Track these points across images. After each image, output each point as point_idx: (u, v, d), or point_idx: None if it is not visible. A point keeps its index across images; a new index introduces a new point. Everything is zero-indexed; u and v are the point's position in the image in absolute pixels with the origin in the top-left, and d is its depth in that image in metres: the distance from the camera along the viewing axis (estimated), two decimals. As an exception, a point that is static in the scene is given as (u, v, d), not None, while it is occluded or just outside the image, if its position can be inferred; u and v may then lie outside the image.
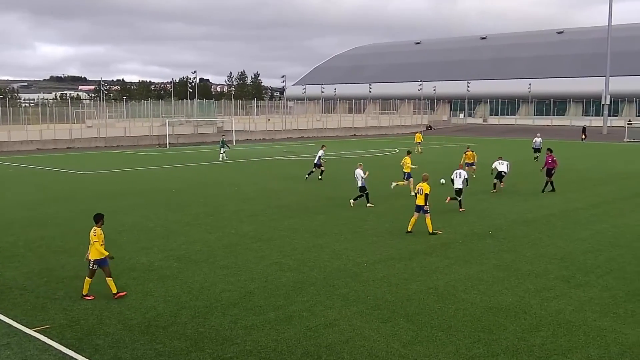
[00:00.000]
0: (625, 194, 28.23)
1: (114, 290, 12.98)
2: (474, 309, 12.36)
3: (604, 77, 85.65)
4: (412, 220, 19.38)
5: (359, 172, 24.70)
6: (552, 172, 28.61)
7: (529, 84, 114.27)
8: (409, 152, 30.31)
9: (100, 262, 13.02)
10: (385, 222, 21.14)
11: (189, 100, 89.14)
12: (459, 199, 23.63)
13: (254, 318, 11.82)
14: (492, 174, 29.43)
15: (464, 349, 10.42)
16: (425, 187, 19.23)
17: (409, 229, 19.26)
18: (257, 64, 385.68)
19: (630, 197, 27.35)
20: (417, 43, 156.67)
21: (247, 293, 13.33)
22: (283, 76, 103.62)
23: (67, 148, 59.74)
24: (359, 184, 24.52)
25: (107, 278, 13.02)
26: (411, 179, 27.74)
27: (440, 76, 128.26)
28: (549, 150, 29.83)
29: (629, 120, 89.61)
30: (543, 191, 28.19)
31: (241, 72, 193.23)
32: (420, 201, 19.15)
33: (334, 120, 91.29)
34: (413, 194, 23.21)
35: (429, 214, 19.21)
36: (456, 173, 23.95)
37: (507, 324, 11.54)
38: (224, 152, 45.82)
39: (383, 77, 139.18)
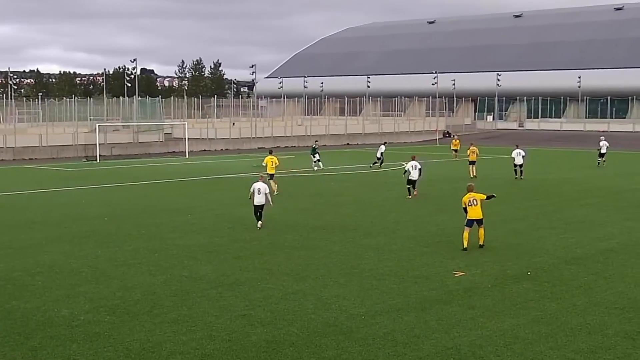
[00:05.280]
0: None
1: None
2: (508, 376, 12.34)
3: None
4: (466, 234, 22.46)
5: (262, 186, 26.30)
6: None
7: (579, 77, 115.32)
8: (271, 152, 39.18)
9: None
10: (390, 260, 21.17)
11: (126, 98, 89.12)
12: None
13: (214, 390, 11.74)
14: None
15: None
16: (478, 195, 22.71)
17: (465, 245, 22.31)
18: (218, 50, 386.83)
19: None
20: (430, 22, 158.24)
21: (204, 356, 13.25)
22: (252, 66, 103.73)
23: (-38, 162, 59.43)
24: (261, 201, 26.18)
25: None
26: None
27: (461, 66, 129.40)
28: None
29: None
30: None
31: (196, 60, 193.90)
32: (476, 213, 22.42)
33: (320, 125, 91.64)
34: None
35: (483, 226, 22.66)
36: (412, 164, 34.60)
37: (552, 396, 11.55)
38: (319, 161, 50.07)
39: (385, 68, 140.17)
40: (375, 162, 52.82)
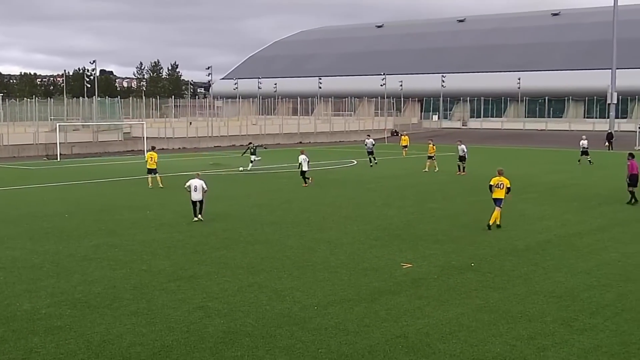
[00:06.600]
0: (637, 214, 28.99)
1: None
2: (453, 362, 12.45)
3: (610, 70, 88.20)
4: (495, 214, 25.06)
5: (199, 183, 26.64)
6: (637, 181, 31.53)
7: (519, 79, 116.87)
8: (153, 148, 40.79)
9: None
10: (341, 253, 21.22)
11: (86, 98, 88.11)
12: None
13: (172, 379, 11.68)
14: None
15: (441, 413, 10.49)
16: (505, 180, 25.22)
17: (490, 222, 24.91)
18: (175, 52, 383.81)
19: (644, 218, 28.12)
20: (378, 26, 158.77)
21: (163, 347, 13.17)
22: (208, 68, 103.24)
23: None
24: (198, 197, 26.62)
25: None
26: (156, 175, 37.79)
27: (408, 68, 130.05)
28: (631, 155, 32.39)
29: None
30: (629, 203, 31.22)
31: (154, 62, 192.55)
32: (500, 194, 25.04)
33: (274, 124, 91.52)
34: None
35: (501, 207, 25.06)
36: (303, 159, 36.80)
37: (495, 380, 11.67)
38: (258, 159, 48.47)
39: (336, 70, 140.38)
40: (372, 159, 52.55)
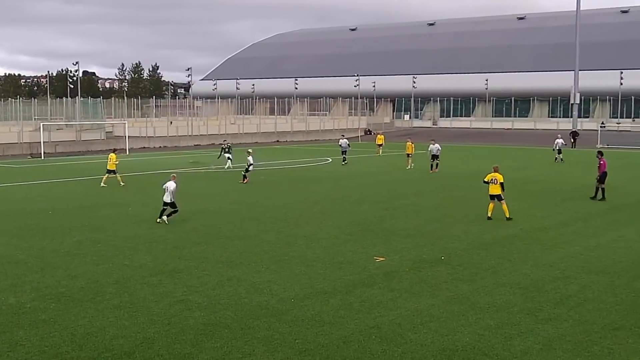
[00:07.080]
0: (599, 209, 29.26)
1: None
2: (425, 351, 12.50)
3: (573, 72, 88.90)
4: (491, 206, 25.97)
5: (168, 185, 25.67)
6: (606, 177, 31.73)
7: (486, 80, 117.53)
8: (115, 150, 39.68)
9: None
10: (317, 247, 21.23)
11: (69, 98, 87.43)
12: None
13: (154, 370, 11.63)
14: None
15: (413, 400, 10.52)
16: (498, 176, 25.73)
17: (489, 215, 25.87)
18: (156, 54, 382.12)
19: (605, 212, 28.36)
20: (352, 29, 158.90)
21: (145, 339, 13.11)
22: (188, 69, 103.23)
23: None
24: (166, 200, 25.49)
25: None
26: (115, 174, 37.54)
27: (380, 70, 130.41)
28: (600, 153, 32.76)
29: (602, 123, 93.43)
30: (593, 198, 31.44)
31: (136, 63, 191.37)
32: (496, 190, 25.69)
33: (252, 124, 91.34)
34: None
35: (504, 201, 25.77)
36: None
37: (464, 368, 11.72)
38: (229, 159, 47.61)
39: (311, 71, 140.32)
40: (345, 158, 51.80)
